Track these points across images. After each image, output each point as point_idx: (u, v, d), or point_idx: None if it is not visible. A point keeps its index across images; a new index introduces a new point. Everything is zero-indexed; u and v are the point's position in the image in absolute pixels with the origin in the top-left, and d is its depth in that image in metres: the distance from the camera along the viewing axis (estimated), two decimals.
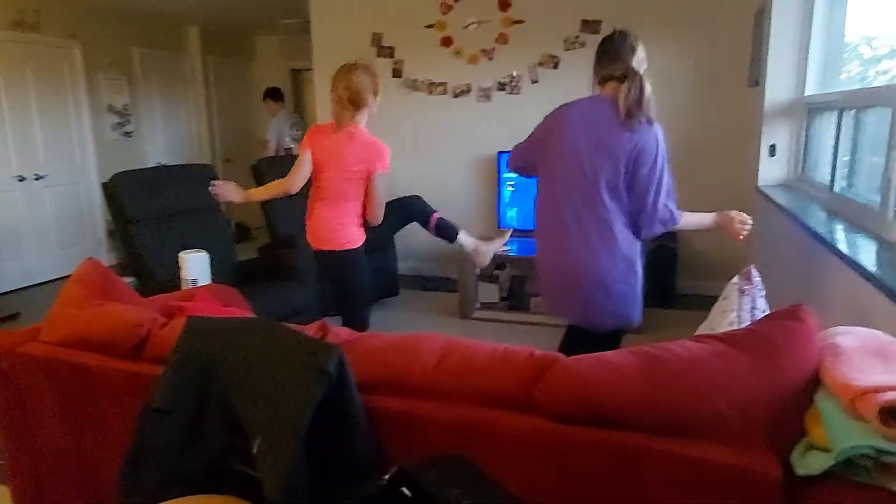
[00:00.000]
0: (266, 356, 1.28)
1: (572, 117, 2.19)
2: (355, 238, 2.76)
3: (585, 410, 1.16)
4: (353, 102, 2.63)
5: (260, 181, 4.54)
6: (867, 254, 1.87)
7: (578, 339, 2.33)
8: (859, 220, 2.29)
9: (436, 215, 2.95)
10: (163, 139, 6.86)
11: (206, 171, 4.13)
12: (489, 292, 4.48)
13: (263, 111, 6.53)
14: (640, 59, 2.15)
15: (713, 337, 1.23)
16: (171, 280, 3.03)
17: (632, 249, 2.22)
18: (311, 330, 1.48)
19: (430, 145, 5.32)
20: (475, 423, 1.21)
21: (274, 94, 6.24)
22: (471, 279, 4.39)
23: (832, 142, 2.86)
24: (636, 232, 2.21)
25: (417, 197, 3.01)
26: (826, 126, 3.14)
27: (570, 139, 2.16)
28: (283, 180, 2.74)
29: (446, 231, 2.99)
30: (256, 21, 6.87)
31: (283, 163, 4.67)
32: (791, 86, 3.49)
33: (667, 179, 2.14)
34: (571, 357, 1.26)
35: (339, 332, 1.47)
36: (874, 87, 2.62)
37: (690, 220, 2.26)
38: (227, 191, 2.75)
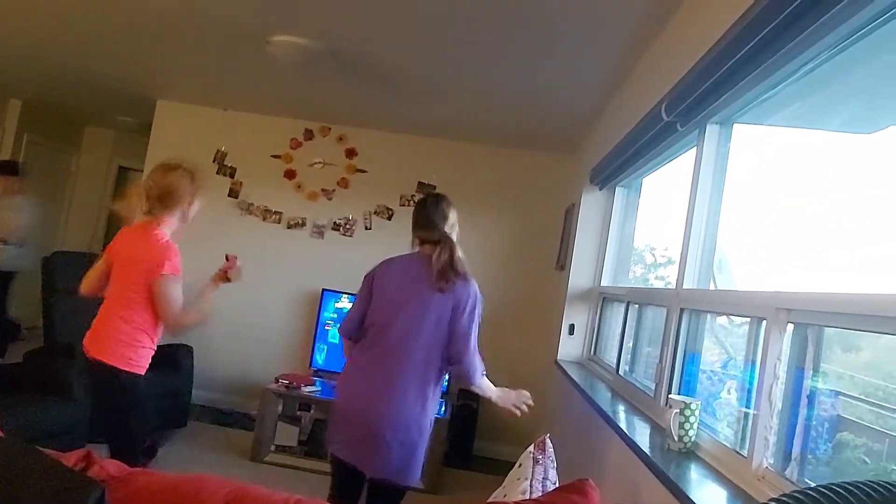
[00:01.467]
0: (4, 489, 1.06)
1: (394, 273, 2.32)
2: (137, 359, 2.39)
3: None
4: (162, 201, 2.45)
5: (49, 276, 4.03)
6: (642, 435, 2.08)
7: (349, 488, 2.33)
8: (637, 402, 2.56)
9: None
10: None
11: None
12: (288, 434, 4.20)
13: None
14: (451, 224, 2.36)
15: None
16: None
17: (432, 408, 2.30)
18: (70, 459, 1.26)
19: (255, 271, 5.16)
20: None
21: (9, 169, 5.06)
22: (271, 418, 4.12)
23: (620, 329, 3.25)
24: (454, 378, 2.38)
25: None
26: (616, 314, 3.58)
27: (390, 294, 2.28)
28: (84, 282, 2.55)
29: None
30: (90, 111, 6.49)
31: (80, 261, 4.21)
32: (590, 275, 3.98)
33: (475, 334, 2.28)
34: None
35: (106, 464, 1.27)
36: (655, 288, 3.07)
37: (484, 383, 2.36)
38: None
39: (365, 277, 2.39)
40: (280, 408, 4.22)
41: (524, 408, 2.42)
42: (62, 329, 3.93)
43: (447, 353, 2.26)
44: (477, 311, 2.29)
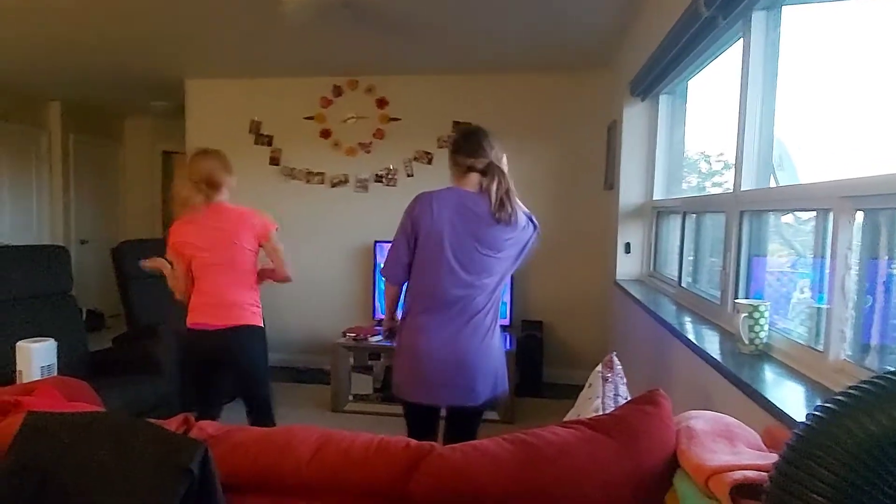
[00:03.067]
0: (118, 455, 1.15)
1: (441, 207, 2.20)
2: (259, 314, 2.78)
3: (461, 500, 1.14)
4: (210, 185, 2.70)
5: (120, 265, 4.25)
6: (711, 343, 2.07)
7: (428, 428, 2.37)
8: (704, 312, 2.54)
9: None
10: (9, 217, 6.26)
11: (58, 254, 3.79)
12: (363, 384, 4.38)
13: None
14: (498, 156, 2.26)
15: (581, 422, 1.28)
16: (9, 373, 2.69)
17: (499, 332, 2.37)
18: (171, 424, 1.36)
19: (307, 233, 5.29)
20: None
21: None
22: (344, 370, 4.29)
23: (678, 242, 3.19)
24: None
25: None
26: (673, 228, 3.51)
27: (440, 230, 2.19)
28: (177, 291, 2.76)
29: None
30: (126, 102, 6.63)
31: (146, 247, 4.41)
32: (641, 191, 3.90)
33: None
34: (447, 446, 1.25)
35: (203, 426, 1.37)
36: (712, 194, 2.99)
37: None
38: (159, 263, 2.74)
39: (407, 216, 2.25)
40: (351, 360, 4.38)
41: None
42: (141, 312, 4.17)
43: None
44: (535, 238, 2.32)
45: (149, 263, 2.74)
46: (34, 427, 1.23)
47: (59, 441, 1.21)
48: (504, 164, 2.27)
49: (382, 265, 2.35)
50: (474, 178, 2.23)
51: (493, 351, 2.30)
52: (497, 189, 2.17)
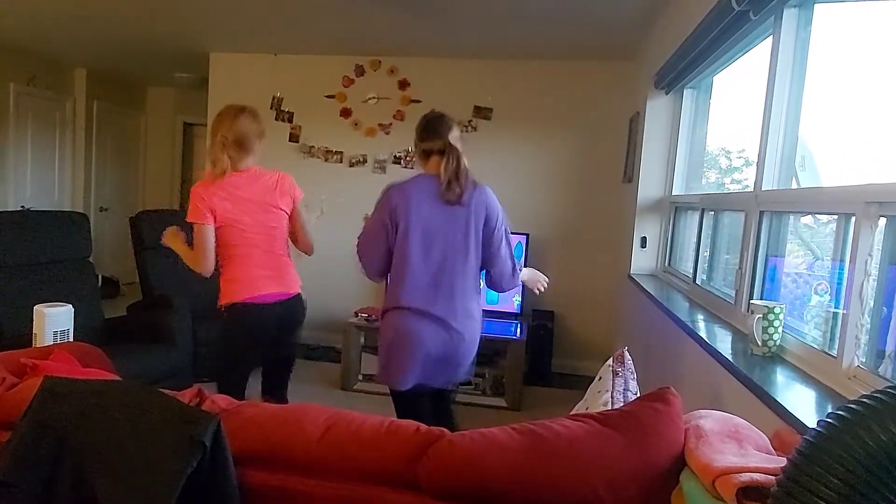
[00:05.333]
0: (132, 424, 1.18)
1: (413, 196, 2.27)
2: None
3: (468, 487, 1.15)
4: (240, 146, 2.56)
5: (138, 235, 4.29)
6: (723, 342, 2.06)
7: (420, 403, 2.40)
8: (717, 310, 2.52)
9: None
10: (31, 182, 6.33)
11: (78, 220, 3.84)
12: (373, 363, 4.41)
13: None
14: (455, 137, 2.34)
15: (590, 416, 1.28)
16: (25, 335, 2.73)
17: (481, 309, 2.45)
18: (185, 396, 1.38)
19: (325, 212, 5.29)
20: (357, 502, 1.17)
21: None
22: (355, 349, 4.32)
23: (695, 238, 3.17)
24: (496, 288, 2.44)
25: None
26: (690, 223, 3.48)
27: (419, 217, 2.26)
28: (196, 263, 2.46)
29: None
30: (150, 71, 6.66)
31: (165, 218, 4.45)
32: (660, 185, 3.86)
33: (509, 234, 2.38)
34: (456, 433, 1.26)
35: (216, 399, 1.39)
36: (732, 193, 2.96)
37: (519, 276, 2.51)
38: (178, 239, 2.59)
39: (384, 210, 2.30)
40: (362, 339, 4.41)
41: (542, 287, 2.67)
42: (157, 282, 4.22)
43: (490, 262, 2.36)
44: (501, 214, 2.35)
45: (167, 240, 2.57)
46: (52, 391, 1.26)
47: (76, 406, 1.24)
48: (459, 144, 2.32)
49: (363, 264, 2.47)
50: (435, 159, 2.32)
51: (479, 330, 2.41)
52: (446, 169, 2.25)
